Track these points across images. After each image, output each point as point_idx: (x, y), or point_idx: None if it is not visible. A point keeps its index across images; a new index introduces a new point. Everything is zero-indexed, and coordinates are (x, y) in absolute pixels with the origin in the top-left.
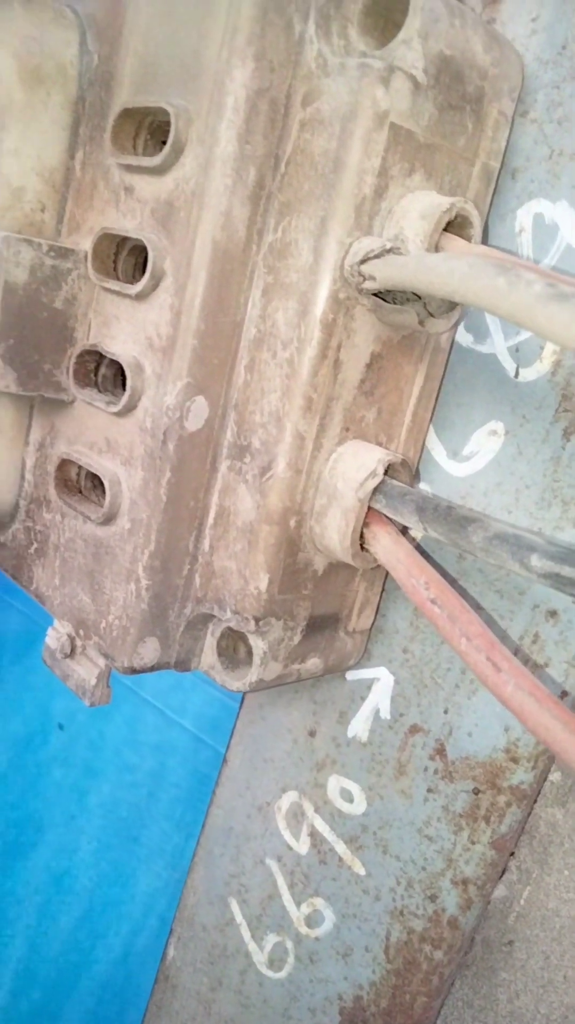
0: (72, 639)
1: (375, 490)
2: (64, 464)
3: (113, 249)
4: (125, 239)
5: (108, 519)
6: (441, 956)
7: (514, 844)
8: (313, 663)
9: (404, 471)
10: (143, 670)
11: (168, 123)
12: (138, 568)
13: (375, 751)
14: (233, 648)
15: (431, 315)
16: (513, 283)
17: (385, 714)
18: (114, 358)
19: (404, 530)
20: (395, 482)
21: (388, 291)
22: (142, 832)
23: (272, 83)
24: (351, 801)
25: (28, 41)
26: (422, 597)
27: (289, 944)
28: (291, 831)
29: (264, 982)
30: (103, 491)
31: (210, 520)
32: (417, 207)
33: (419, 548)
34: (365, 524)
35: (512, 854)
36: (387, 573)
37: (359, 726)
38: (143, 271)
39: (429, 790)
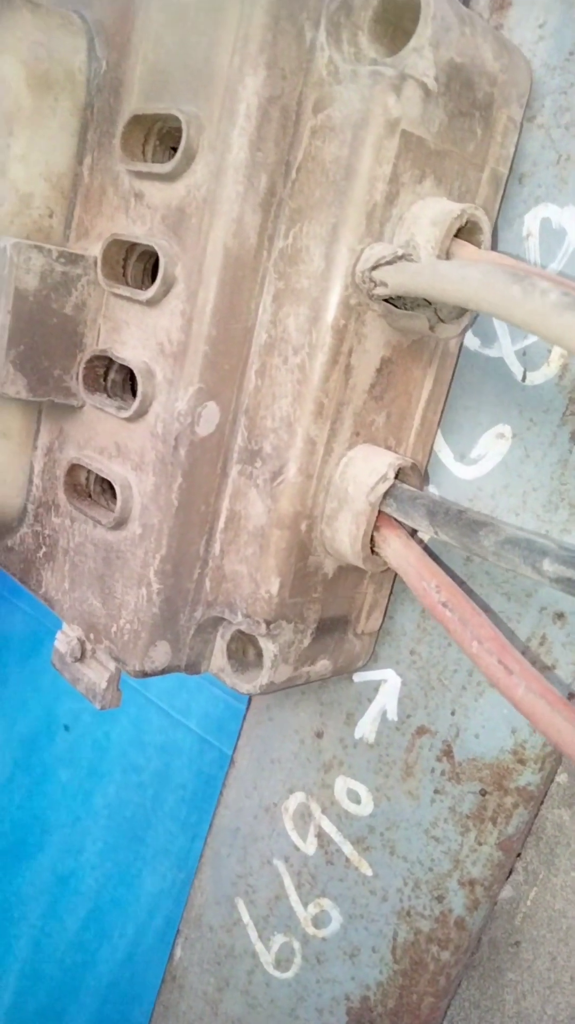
0: (82, 643)
1: (386, 494)
2: (74, 469)
3: (122, 255)
4: (134, 245)
5: (119, 524)
6: (448, 957)
7: (521, 845)
8: (322, 665)
9: (414, 475)
10: (154, 673)
11: (177, 129)
12: (149, 572)
13: (382, 752)
14: (242, 651)
15: (442, 320)
16: (528, 292)
17: (392, 715)
18: (125, 364)
19: (412, 532)
20: (406, 486)
21: (399, 297)
22: (147, 833)
23: (284, 90)
24: (358, 802)
25: (36, 47)
26: (433, 600)
27: (296, 944)
28: (298, 832)
29: (271, 982)
30: (113, 496)
31: (221, 524)
32: (428, 213)
33: (427, 550)
34: (375, 528)
35: (519, 855)
36: (395, 575)
37: (366, 727)
38: (152, 277)
39: (436, 791)
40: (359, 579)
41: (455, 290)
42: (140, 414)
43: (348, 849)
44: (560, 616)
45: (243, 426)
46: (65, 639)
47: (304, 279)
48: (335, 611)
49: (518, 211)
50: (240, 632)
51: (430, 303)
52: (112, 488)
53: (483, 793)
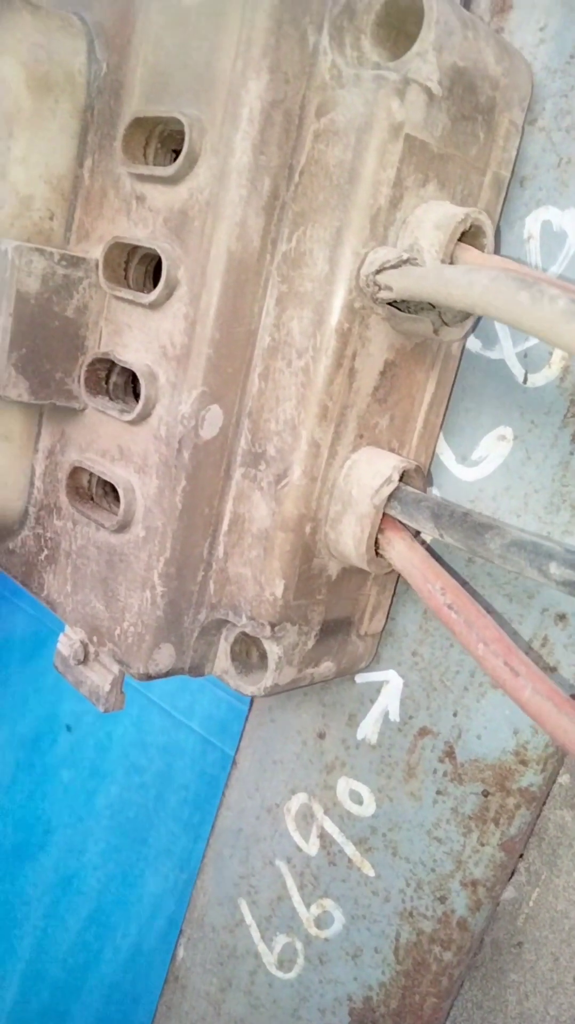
0: (85, 646)
1: (390, 496)
2: (76, 472)
3: (124, 258)
4: (136, 248)
5: (122, 527)
6: (450, 957)
7: (523, 846)
8: (326, 667)
9: (418, 477)
10: (158, 676)
11: (179, 132)
12: (153, 575)
13: (384, 753)
14: (246, 653)
15: (445, 324)
16: (536, 298)
17: (394, 717)
18: (127, 367)
19: (415, 534)
20: (410, 488)
21: (403, 300)
22: (150, 833)
23: (287, 94)
24: (360, 803)
25: (35, 49)
26: (438, 602)
27: (299, 945)
28: (301, 832)
29: (274, 983)
30: (115, 498)
31: (224, 527)
32: (431, 217)
33: (429, 551)
34: (380, 530)
35: (521, 856)
36: (398, 577)
37: (368, 728)
38: (154, 280)
39: (438, 792)
40: (363, 581)
41: (461, 295)
42: (143, 417)
43: (350, 850)
44: (562, 617)
45: (247, 429)
46: (68, 642)
47: (308, 283)
48: (339, 613)
49: (519, 214)
50: (244, 634)
51: (434, 306)
52: (114, 491)
53: (485, 794)
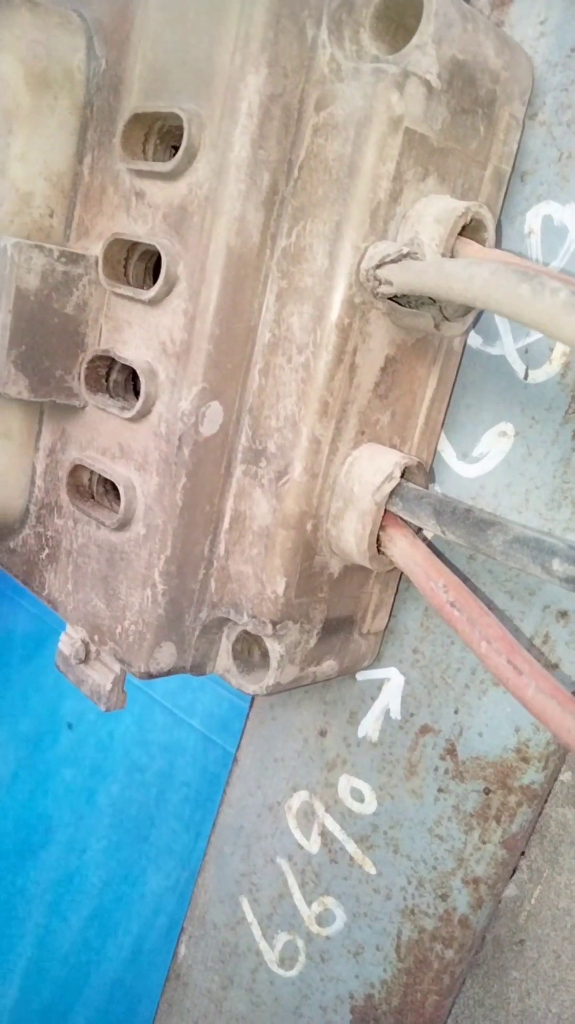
0: (86, 644)
1: (392, 493)
2: (76, 470)
3: (123, 254)
4: (136, 244)
5: (123, 525)
6: (452, 955)
7: (525, 843)
8: (328, 665)
9: (419, 473)
10: (160, 675)
11: (178, 128)
12: (154, 573)
13: (386, 751)
14: (248, 651)
15: (447, 319)
16: (537, 291)
17: (395, 714)
18: (127, 363)
19: (416, 531)
20: (412, 485)
21: (403, 295)
22: (151, 831)
23: (285, 88)
24: (362, 801)
25: (34, 45)
26: (441, 600)
27: (300, 943)
28: (302, 830)
29: (275, 980)
30: (116, 496)
31: (225, 524)
32: (432, 211)
33: (430, 547)
34: (382, 527)
35: (523, 853)
36: (401, 574)
37: (370, 726)
38: (154, 276)
39: (440, 790)
40: (365, 579)
41: (462, 289)
42: (143, 414)
43: (352, 847)
44: (563, 614)
45: (247, 426)
46: (69, 641)
47: (308, 277)
48: (341, 611)
49: (520, 208)
50: (246, 633)
51: (435, 301)
52: (115, 489)
53: (487, 791)
